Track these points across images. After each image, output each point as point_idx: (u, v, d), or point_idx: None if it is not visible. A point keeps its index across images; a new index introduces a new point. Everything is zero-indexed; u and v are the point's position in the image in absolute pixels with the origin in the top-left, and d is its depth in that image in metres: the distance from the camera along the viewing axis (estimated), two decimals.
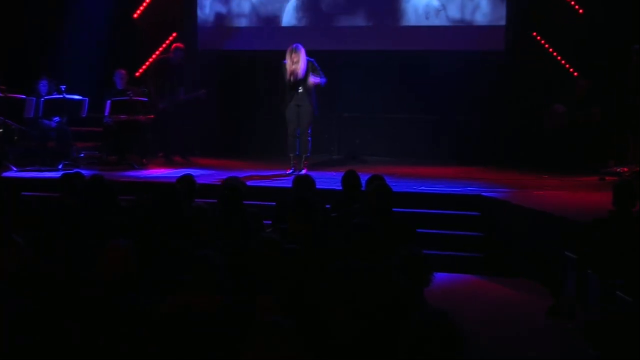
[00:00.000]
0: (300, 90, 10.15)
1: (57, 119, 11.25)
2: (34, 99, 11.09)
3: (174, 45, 11.73)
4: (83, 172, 7.83)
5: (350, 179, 7.20)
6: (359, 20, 12.35)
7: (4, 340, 4.04)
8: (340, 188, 7.35)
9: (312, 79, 10.05)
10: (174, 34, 12.74)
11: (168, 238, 5.53)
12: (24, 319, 4.09)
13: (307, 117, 10.23)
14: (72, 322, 4.11)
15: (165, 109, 11.45)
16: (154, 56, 12.83)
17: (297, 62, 10.01)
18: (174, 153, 11.81)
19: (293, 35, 10.59)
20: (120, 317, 4.16)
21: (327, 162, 11.67)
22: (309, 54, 10.19)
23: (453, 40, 11.95)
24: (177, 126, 11.75)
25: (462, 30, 12.01)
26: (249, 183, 8.46)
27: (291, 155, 10.44)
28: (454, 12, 12.02)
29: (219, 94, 12.63)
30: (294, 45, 10.12)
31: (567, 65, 11.64)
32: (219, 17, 12.87)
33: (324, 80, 10.12)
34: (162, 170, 10.85)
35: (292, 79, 10.04)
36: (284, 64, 10.11)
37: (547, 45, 11.74)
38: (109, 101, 11.28)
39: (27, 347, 4.03)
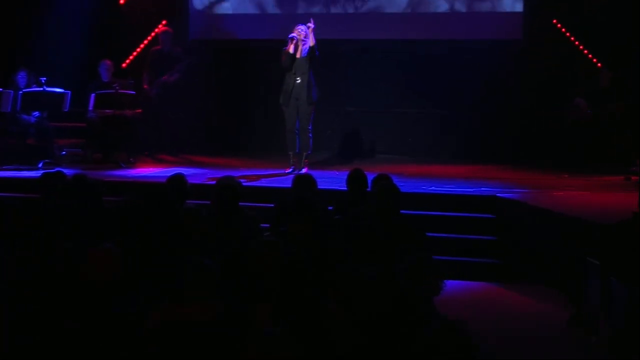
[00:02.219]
0: (299, 80, 10.16)
1: (36, 113, 11.24)
2: (12, 92, 11.07)
3: (162, 29, 11.79)
4: (65, 171, 7.83)
5: (357, 179, 7.21)
6: (363, 7, 12.35)
7: (4, 340, 4.18)
8: (343, 188, 7.35)
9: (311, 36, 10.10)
10: (164, 22, 12.74)
11: (158, 242, 5.56)
12: (24, 319, 4.23)
13: (307, 111, 10.24)
14: (72, 322, 4.23)
15: (156, 95, 11.50)
16: (142, 46, 12.83)
17: (301, 33, 10.09)
18: (160, 151, 11.82)
19: (293, 22, 10.60)
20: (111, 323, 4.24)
21: (329, 160, 11.67)
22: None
23: (466, 28, 11.93)
24: (167, 121, 11.79)
25: (477, 17, 11.99)
26: (245, 183, 8.46)
27: (290, 153, 10.45)
28: None
29: (212, 87, 12.63)
30: (300, 24, 10.29)
31: (590, 56, 11.63)
32: (213, 3, 12.87)
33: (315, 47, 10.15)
34: (151, 169, 10.86)
35: (292, 48, 10.06)
36: (284, 51, 10.15)
37: (568, 34, 11.73)
38: (93, 94, 11.28)
39: (27, 347, 4.16)
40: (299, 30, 10.19)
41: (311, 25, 10.14)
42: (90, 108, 11.32)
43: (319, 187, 7.27)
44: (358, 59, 12.32)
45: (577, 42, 11.69)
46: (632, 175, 9.74)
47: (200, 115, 12.53)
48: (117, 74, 11.93)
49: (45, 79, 11.02)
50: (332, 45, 11.59)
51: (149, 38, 12.83)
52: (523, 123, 11.77)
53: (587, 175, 10.11)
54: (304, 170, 10.08)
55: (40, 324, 4.32)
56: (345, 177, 7.35)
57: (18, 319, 4.34)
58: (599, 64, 11.46)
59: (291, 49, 10.09)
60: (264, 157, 11.64)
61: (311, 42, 10.12)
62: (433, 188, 9.33)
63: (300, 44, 10.13)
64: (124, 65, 12.75)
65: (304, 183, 7.16)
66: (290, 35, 10.14)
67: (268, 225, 6.99)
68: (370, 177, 7.25)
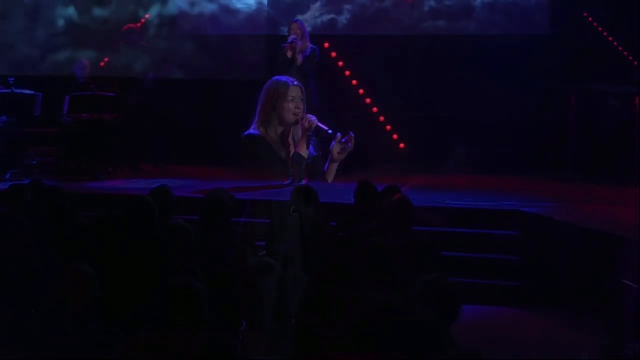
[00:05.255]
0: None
1: (3, 118, 11.26)
2: None
3: (124, 27, 11.83)
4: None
5: (365, 191, 7.20)
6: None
7: None
8: (348, 201, 7.34)
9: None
10: (147, 16, 12.76)
11: (139, 261, 5.56)
12: None
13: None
14: None
15: (135, 102, 11.53)
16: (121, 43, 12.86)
17: (299, 32, 10.13)
18: (142, 161, 11.82)
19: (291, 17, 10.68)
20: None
21: None
22: (310, 38, 10.30)
23: (487, 22, 11.96)
24: (149, 127, 11.82)
25: (498, 9, 11.99)
26: (237, 195, 8.46)
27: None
28: None
29: (201, 88, 12.64)
30: (296, 19, 10.40)
31: (626, 53, 11.64)
32: None
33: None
34: (132, 180, 10.86)
35: (290, 53, 10.07)
36: (282, 48, 10.17)
37: (600, 28, 11.74)
38: (67, 96, 11.29)
39: None
40: (295, 28, 10.18)
41: (296, 34, 10.15)
42: (65, 112, 11.33)
43: (320, 200, 7.26)
44: (366, 56, 12.32)
45: (610, 38, 11.70)
46: None
47: (185, 120, 12.52)
48: (95, 74, 11.95)
49: (13, 79, 11.04)
50: (335, 39, 11.61)
51: None
52: (551, 127, 11.76)
53: (622, 185, 10.09)
54: (303, 182, 10.07)
55: None
56: (349, 188, 7.34)
57: None
58: (635, 62, 11.47)
59: (289, 54, 10.09)
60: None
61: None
62: (448, 201, 9.32)
63: (304, 43, 10.13)
64: (102, 64, 12.76)
65: (304, 196, 7.15)
66: (289, 39, 10.13)
67: (263, 243, 6.99)
68: (378, 189, 7.24)
